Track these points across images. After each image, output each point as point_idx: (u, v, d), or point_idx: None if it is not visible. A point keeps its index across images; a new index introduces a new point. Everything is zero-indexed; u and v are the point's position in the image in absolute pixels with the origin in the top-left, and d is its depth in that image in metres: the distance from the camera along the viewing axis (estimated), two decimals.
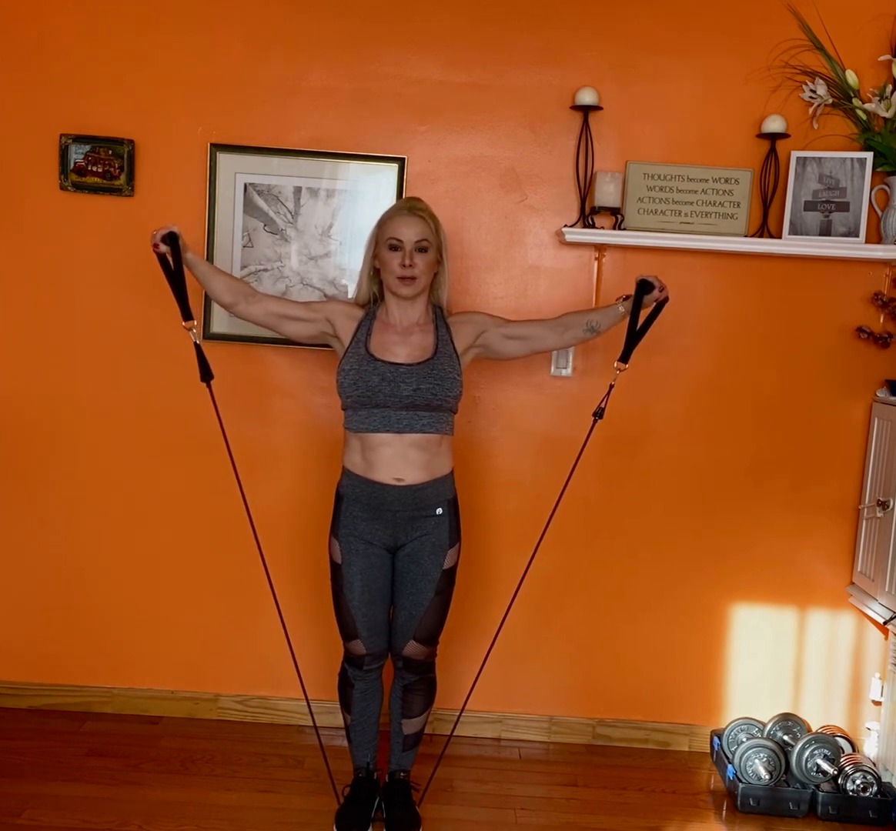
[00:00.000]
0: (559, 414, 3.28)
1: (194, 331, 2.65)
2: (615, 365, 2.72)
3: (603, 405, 2.74)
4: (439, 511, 2.66)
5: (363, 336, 2.65)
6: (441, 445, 2.66)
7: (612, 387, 2.75)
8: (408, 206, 2.65)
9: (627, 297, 2.75)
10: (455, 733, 3.00)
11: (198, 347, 2.66)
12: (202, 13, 3.15)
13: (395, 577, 2.70)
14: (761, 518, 3.31)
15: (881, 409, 3.21)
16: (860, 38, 3.12)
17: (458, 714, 2.95)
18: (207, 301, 3.21)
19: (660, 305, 2.73)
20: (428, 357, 2.63)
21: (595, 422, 2.76)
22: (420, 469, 2.62)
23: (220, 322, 3.22)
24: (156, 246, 2.58)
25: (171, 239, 2.59)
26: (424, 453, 2.62)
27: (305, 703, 2.84)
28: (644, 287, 2.70)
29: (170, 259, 2.60)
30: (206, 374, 2.68)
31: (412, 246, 2.59)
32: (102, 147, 3.15)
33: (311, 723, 2.86)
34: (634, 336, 2.71)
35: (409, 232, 2.59)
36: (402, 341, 2.65)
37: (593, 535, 3.33)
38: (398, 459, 2.60)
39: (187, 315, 2.62)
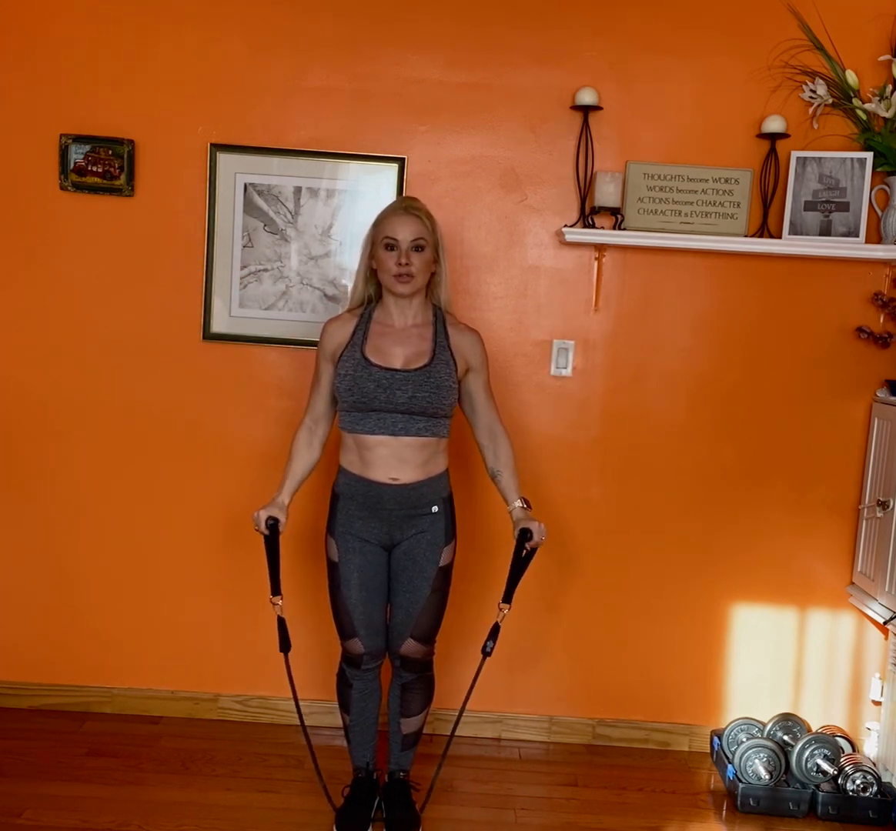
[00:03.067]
0: (559, 413, 3.28)
1: (280, 605, 2.67)
2: (499, 605, 2.66)
3: (488, 646, 2.66)
4: (435, 509, 2.67)
5: (359, 339, 2.64)
6: (437, 446, 2.66)
7: (497, 626, 2.67)
8: (404, 205, 2.64)
9: (526, 507, 2.71)
10: (455, 733, 3.00)
11: (281, 621, 2.68)
12: (202, 13, 3.15)
13: (392, 575, 2.70)
14: (761, 518, 3.31)
15: (881, 409, 3.21)
16: (860, 38, 3.12)
17: (458, 713, 2.95)
18: (207, 302, 3.21)
19: (533, 550, 2.68)
20: (424, 363, 2.61)
21: (483, 659, 2.68)
22: (415, 468, 2.62)
23: (221, 322, 3.23)
24: (260, 530, 2.66)
25: (273, 524, 2.65)
26: (420, 454, 2.62)
27: (305, 702, 2.84)
28: (523, 535, 2.65)
29: (274, 540, 2.67)
30: (284, 646, 2.70)
31: (408, 245, 2.58)
32: (102, 147, 3.15)
33: (311, 723, 2.86)
34: (513, 577, 2.68)
35: (404, 230, 2.58)
36: (399, 343, 2.63)
37: (593, 535, 3.33)
38: (394, 459, 2.61)
39: (276, 591, 2.67)
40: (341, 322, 2.70)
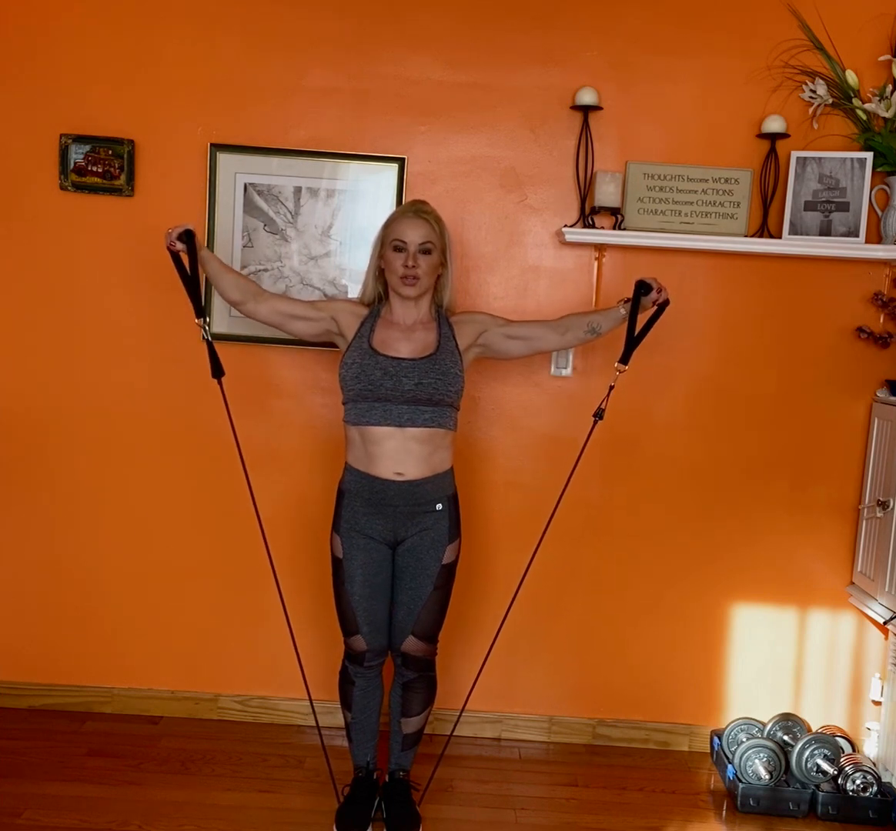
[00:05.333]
0: (559, 413, 3.28)
1: (206, 327, 2.68)
2: (615, 366, 2.75)
3: (603, 406, 2.77)
4: (439, 506, 2.68)
5: (366, 331, 2.69)
6: (443, 440, 2.68)
7: (611, 388, 2.77)
8: (413, 208, 2.69)
9: (628, 300, 2.76)
10: (455, 733, 3.00)
11: (209, 343, 2.69)
12: (202, 13, 3.15)
13: (395, 572, 2.71)
14: (761, 518, 3.31)
15: (881, 409, 3.21)
16: (860, 38, 3.12)
17: (458, 713, 2.95)
18: (207, 302, 3.21)
19: (661, 308, 2.74)
20: (430, 352, 2.66)
21: (595, 422, 2.78)
22: (421, 463, 2.64)
23: (221, 322, 3.23)
24: (171, 244, 2.61)
25: (187, 237, 2.61)
26: (425, 447, 2.64)
27: (308, 702, 2.84)
28: (642, 288, 2.72)
29: (184, 258, 2.63)
30: (216, 371, 2.72)
31: (416, 247, 2.63)
32: (102, 147, 3.15)
33: (311, 723, 2.87)
34: (634, 338, 2.74)
35: (413, 234, 2.63)
36: (405, 337, 2.68)
37: (594, 535, 3.33)
38: (400, 452, 2.62)
39: (200, 312, 2.67)
40: (354, 304, 2.78)
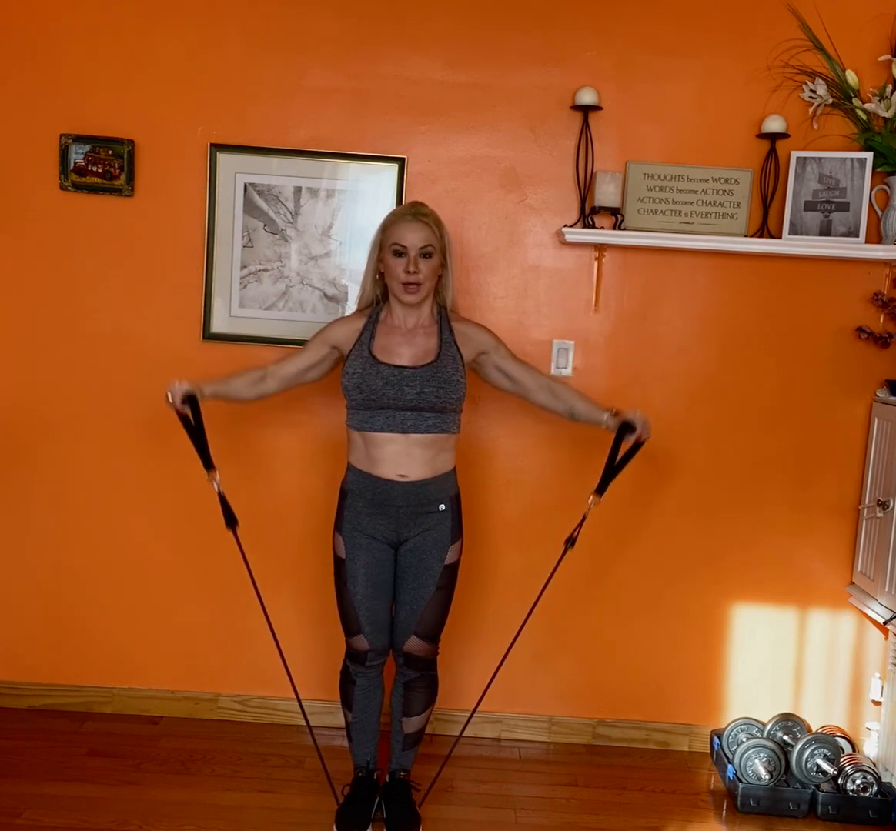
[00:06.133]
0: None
1: (217, 480, 2.67)
2: (590, 498, 2.72)
3: (575, 534, 2.74)
4: (442, 507, 2.68)
5: (367, 338, 2.66)
6: (446, 443, 2.68)
7: (585, 517, 2.74)
8: (412, 211, 2.66)
9: (617, 413, 2.72)
10: (456, 734, 3.00)
11: (221, 496, 2.68)
12: (202, 13, 3.15)
13: (398, 573, 2.71)
14: (761, 518, 3.31)
15: (881, 409, 3.21)
16: (860, 38, 3.12)
17: (469, 714, 2.95)
18: (207, 302, 3.21)
19: (638, 444, 2.71)
20: (431, 359, 2.64)
21: (566, 549, 2.75)
22: (423, 465, 2.63)
23: (221, 322, 3.23)
24: (176, 407, 2.62)
25: (191, 400, 2.62)
26: (428, 450, 2.64)
27: (307, 702, 2.84)
28: (625, 428, 2.68)
29: (190, 417, 2.65)
30: (230, 521, 2.69)
31: (416, 252, 2.60)
32: (102, 147, 3.15)
33: (312, 724, 2.86)
34: (611, 471, 2.72)
35: (413, 237, 2.60)
36: (406, 343, 2.66)
37: (593, 535, 3.32)
38: (402, 456, 2.62)
39: (208, 465, 2.67)
40: (349, 320, 2.74)
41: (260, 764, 3.11)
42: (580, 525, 2.73)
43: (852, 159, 3.09)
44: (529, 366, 2.81)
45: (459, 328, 2.72)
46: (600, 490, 2.73)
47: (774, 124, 3.09)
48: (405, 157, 3.18)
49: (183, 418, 2.64)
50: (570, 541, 2.74)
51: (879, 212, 3.16)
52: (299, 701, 2.73)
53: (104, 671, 3.38)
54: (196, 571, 3.33)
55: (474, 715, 2.88)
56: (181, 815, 2.79)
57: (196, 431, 2.66)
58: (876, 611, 3.12)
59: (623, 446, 2.71)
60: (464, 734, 2.90)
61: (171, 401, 2.62)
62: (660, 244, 3.14)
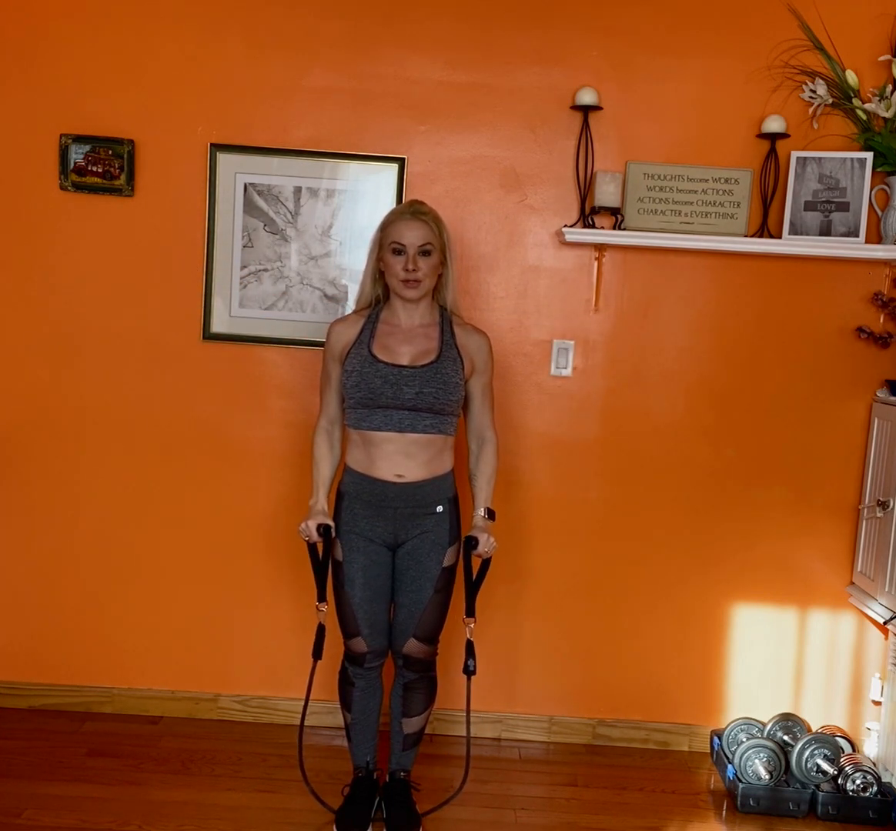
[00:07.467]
0: (559, 413, 3.28)
1: (322, 611, 2.69)
2: (464, 620, 2.69)
3: (471, 662, 2.68)
4: (439, 508, 2.67)
5: (366, 337, 2.66)
6: (444, 444, 2.67)
7: (470, 642, 2.68)
8: (411, 209, 2.66)
9: (488, 514, 2.71)
10: (456, 733, 3.00)
11: (321, 628, 2.70)
12: (202, 13, 3.15)
13: (396, 575, 2.71)
14: (761, 518, 3.31)
15: (881, 409, 3.21)
16: (860, 38, 3.12)
17: (467, 715, 2.95)
18: (207, 302, 3.21)
19: (485, 561, 2.69)
20: (431, 360, 2.63)
21: (469, 679, 2.70)
22: (421, 466, 2.63)
23: (221, 322, 3.23)
24: (310, 538, 2.64)
25: (326, 531, 2.63)
26: (426, 451, 2.63)
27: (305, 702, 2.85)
28: (468, 542, 2.66)
29: (320, 548, 2.67)
30: (318, 653, 2.72)
31: (415, 250, 2.60)
32: (102, 147, 3.15)
33: (311, 724, 2.86)
34: (471, 589, 2.69)
35: (412, 236, 2.60)
36: (406, 342, 2.66)
37: (593, 535, 3.33)
38: (400, 455, 2.62)
39: (322, 597, 2.69)
40: (348, 322, 2.73)
41: (260, 764, 3.11)
42: (471, 652, 2.67)
43: (852, 159, 3.09)
44: (489, 407, 2.78)
45: (462, 335, 2.71)
46: (469, 612, 2.68)
47: (774, 124, 3.09)
48: (405, 157, 3.18)
49: (311, 548, 2.66)
50: (469, 671, 2.68)
51: (879, 213, 3.16)
52: (307, 701, 2.73)
53: (104, 671, 3.38)
54: (197, 571, 3.33)
55: (474, 715, 2.88)
56: (181, 815, 2.78)
57: (321, 563, 2.68)
58: (876, 611, 3.12)
59: (474, 561, 2.68)
60: (464, 734, 2.90)
61: (306, 537, 2.64)
62: (660, 244, 3.14)
